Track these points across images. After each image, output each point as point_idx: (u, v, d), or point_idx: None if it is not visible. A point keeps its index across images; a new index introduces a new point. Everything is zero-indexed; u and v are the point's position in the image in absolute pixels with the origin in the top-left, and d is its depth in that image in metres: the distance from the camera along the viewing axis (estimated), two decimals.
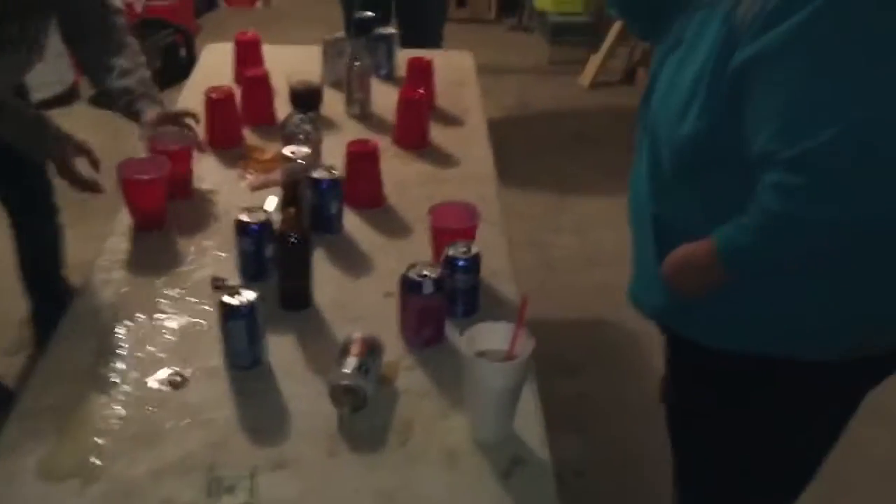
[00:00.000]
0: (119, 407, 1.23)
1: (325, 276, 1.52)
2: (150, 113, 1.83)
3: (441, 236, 1.50)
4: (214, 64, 2.36)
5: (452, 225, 1.52)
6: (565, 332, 2.69)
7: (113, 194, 3.37)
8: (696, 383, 1.46)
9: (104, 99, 2.03)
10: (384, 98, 2.14)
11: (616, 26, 4.41)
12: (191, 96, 2.17)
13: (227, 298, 1.26)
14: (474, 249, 1.42)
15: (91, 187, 1.78)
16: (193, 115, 1.86)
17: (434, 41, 3.10)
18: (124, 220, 1.68)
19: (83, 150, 1.77)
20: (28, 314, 2.51)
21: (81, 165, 1.79)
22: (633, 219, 1.43)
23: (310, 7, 5.07)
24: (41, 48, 1.93)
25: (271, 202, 1.68)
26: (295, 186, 1.42)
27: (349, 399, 1.22)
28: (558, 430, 1.24)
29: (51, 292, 2.44)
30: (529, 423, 1.23)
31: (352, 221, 1.69)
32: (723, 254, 1.19)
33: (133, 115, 1.87)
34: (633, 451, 2.33)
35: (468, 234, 1.50)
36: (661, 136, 1.27)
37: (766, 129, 1.10)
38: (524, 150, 3.73)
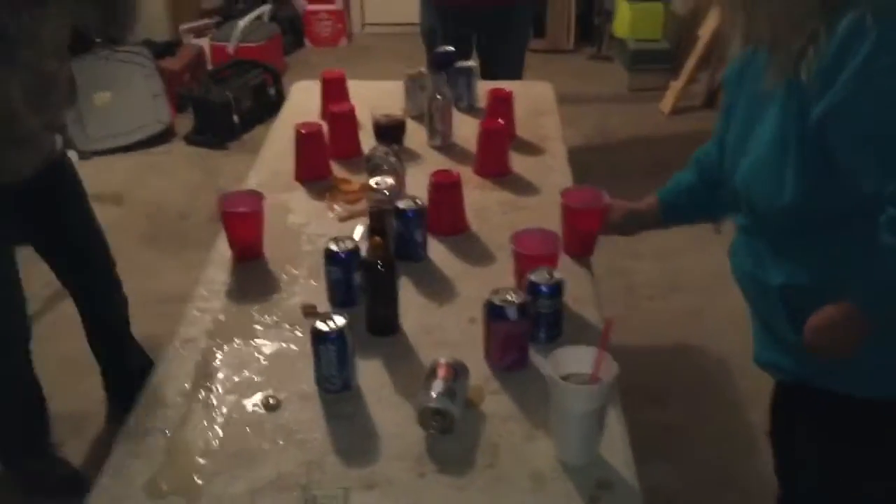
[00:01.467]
0: (218, 428, 1.29)
1: (410, 303, 1.56)
2: None
3: (524, 262, 1.52)
4: (302, 100, 2.45)
5: (535, 251, 1.54)
6: (650, 359, 2.66)
7: (205, 226, 3.52)
8: (822, 430, 1.40)
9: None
10: (465, 129, 2.19)
11: (696, 51, 4.38)
12: (280, 131, 2.26)
13: (318, 324, 1.31)
14: (557, 275, 1.44)
15: None
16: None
17: (515, 73, 3.14)
18: (221, 251, 1.75)
19: None
20: (103, 384, 2.47)
21: None
22: (747, 288, 1.41)
23: (391, 44, 5.20)
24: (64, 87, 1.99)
25: (358, 231, 1.73)
26: (381, 216, 1.47)
27: (437, 422, 1.25)
28: (646, 458, 1.24)
29: (122, 356, 2.41)
30: (616, 448, 1.24)
31: (436, 249, 1.74)
32: (864, 306, 1.17)
33: None
34: (722, 479, 2.28)
35: (551, 261, 1.52)
36: (763, 212, 1.28)
37: (866, 174, 1.14)
38: (605, 177, 3.70)
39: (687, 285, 3.08)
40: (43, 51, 1.83)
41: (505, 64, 3.12)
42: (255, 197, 1.73)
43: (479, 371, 1.38)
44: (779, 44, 1.19)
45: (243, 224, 1.71)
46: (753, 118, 1.29)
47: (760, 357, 1.44)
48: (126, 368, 2.40)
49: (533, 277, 1.43)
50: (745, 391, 2.50)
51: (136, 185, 3.84)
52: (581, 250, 1.71)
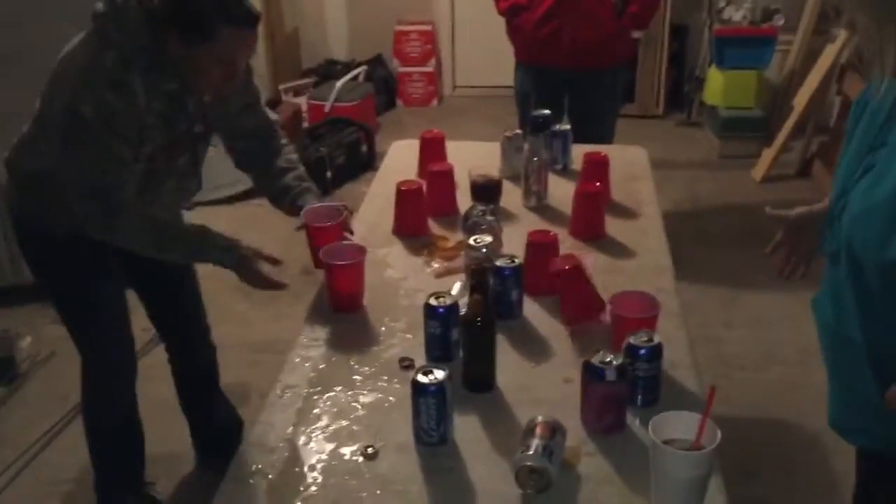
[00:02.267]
0: (318, 474, 1.31)
1: (506, 360, 1.57)
2: (312, 203, 2.00)
3: (622, 324, 1.52)
4: (400, 159, 2.52)
5: (633, 314, 1.54)
6: (742, 432, 2.59)
7: (297, 277, 3.60)
8: None
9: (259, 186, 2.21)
10: (559, 191, 2.22)
11: (791, 118, 4.33)
12: (379, 187, 2.33)
13: (419, 376, 1.34)
14: (656, 339, 1.44)
15: (275, 285, 1.89)
16: (346, 207, 2.01)
17: (606, 137, 3.17)
18: (321, 301, 1.80)
19: (255, 253, 1.89)
20: (191, 439, 2.51)
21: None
22: (827, 343, 1.36)
23: (480, 106, 5.31)
24: (200, 180, 2.10)
25: (456, 287, 1.76)
26: (481, 273, 1.50)
27: (534, 480, 1.25)
28: None
29: (210, 410, 2.45)
30: None
31: (531, 308, 1.75)
32: None
33: (296, 209, 2.03)
34: None
35: (649, 324, 1.52)
36: (864, 262, 1.23)
37: None
38: (695, 243, 3.69)
39: (780, 357, 3.00)
40: (190, 175, 1.99)
41: (596, 127, 3.15)
42: (358, 250, 1.78)
43: (576, 432, 1.38)
44: None
45: (345, 275, 1.76)
46: (866, 150, 1.24)
47: (838, 421, 1.38)
48: (213, 423, 2.45)
49: (632, 340, 1.43)
50: (840, 470, 2.41)
51: (233, 235, 3.97)
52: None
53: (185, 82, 1.79)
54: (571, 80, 3.18)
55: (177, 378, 2.41)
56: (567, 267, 1.69)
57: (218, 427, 2.43)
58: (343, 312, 1.75)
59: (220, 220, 4.06)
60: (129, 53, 1.71)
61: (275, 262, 1.90)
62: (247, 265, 1.86)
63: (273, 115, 2.17)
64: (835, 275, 1.32)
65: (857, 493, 1.48)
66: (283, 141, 2.14)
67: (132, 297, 2.20)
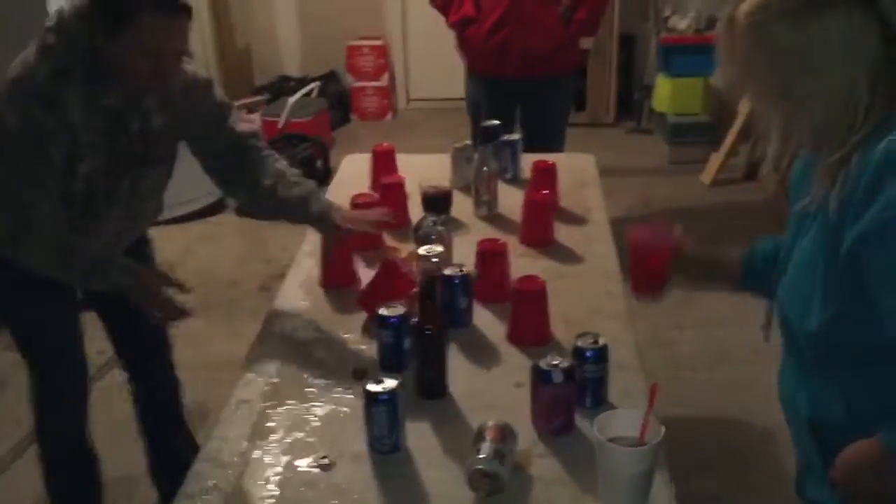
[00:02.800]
0: (274, 487, 1.33)
1: (457, 368, 1.59)
2: (339, 212, 1.92)
3: (641, 254, 1.55)
4: (352, 173, 2.54)
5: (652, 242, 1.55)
6: (695, 430, 2.65)
7: (254, 294, 3.58)
8: None
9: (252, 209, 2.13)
10: (510, 199, 2.26)
11: (737, 124, 4.44)
12: (333, 200, 2.34)
13: (370, 386, 1.36)
14: (602, 340, 1.48)
15: (177, 313, 1.81)
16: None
17: (557, 146, 3.22)
18: (273, 315, 1.81)
19: (161, 279, 1.82)
20: (148, 468, 2.41)
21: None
22: (787, 413, 1.35)
23: (433, 118, 5.35)
24: (159, 206, 2.07)
25: None
26: (432, 283, 1.53)
27: (486, 484, 1.27)
28: None
29: (169, 446, 2.34)
30: None
31: (481, 315, 1.78)
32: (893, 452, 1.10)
33: (311, 217, 1.93)
34: None
35: (664, 254, 1.54)
36: (794, 333, 1.24)
37: (886, 293, 1.10)
38: None
39: (731, 357, 3.07)
40: (139, 199, 1.92)
41: (547, 136, 3.21)
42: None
43: (526, 435, 1.41)
44: (820, 152, 1.16)
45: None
46: (799, 229, 1.25)
47: (801, 489, 1.37)
48: (171, 456, 2.33)
49: (579, 342, 1.46)
50: (791, 466, 2.47)
51: (187, 254, 3.96)
52: (652, 292, 1.61)
53: (124, 94, 1.75)
54: (522, 90, 3.23)
55: (136, 405, 2.34)
56: (525, 289, 1.69)
57: (173, 460, 2.29)
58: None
59: (174, 238, 4.06)
60: (68, 64, 1.68)
61: (182, 288, 1.82)
62: (146, 289, 1.78)
63: (246, 126, 2.01)
64: (783, 344, 1.32)
65: None
66: (264, 152, 1.98)
67: (90, 319, 2.18)
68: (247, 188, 1.99)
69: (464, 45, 3.29)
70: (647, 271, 1.58)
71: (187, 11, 1.68)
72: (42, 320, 2.00)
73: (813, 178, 1.18)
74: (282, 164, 1.99)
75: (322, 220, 1.89)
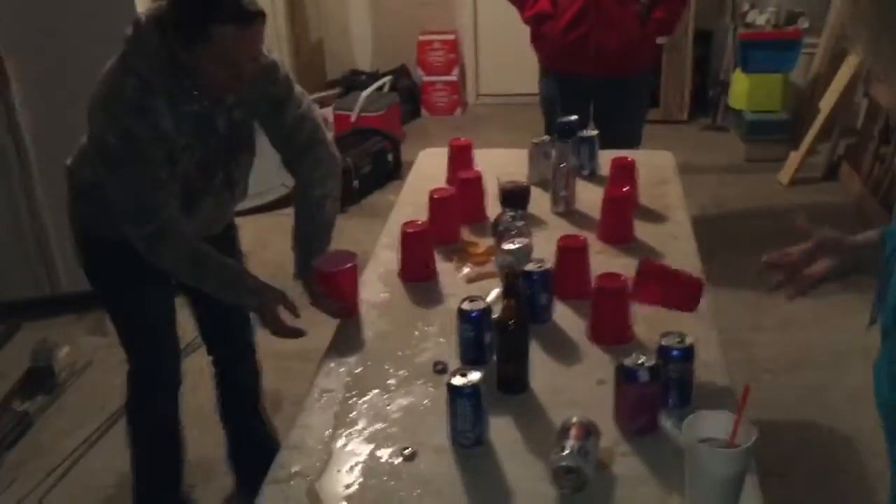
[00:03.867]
0: (357, 475, 1.34)
1: (538, 364, 1.59)
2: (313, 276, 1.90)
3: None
4: (428, 167, 2.55)
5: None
6: (773, 435, 2.58)
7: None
8: None
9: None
10: (587, 196, 2.24)
11: (817, 123, 4.32)
12: (408, 195, 2.36)
13: (455, 379, 1.36)
14: (688, 340, 1.45)
15: (293, 334, 1.86)
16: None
17: (632, 142, 3.18)
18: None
19: (281, 300, 1.85)
20: (227, 453, 2.49)
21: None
22: (884, 417, 1.17)
23: (503, 114, 5.34)
24: (245, 188, 2.09)
25: (493, 294, 1.78)
26: (514, 278, 1.52)
27: (570, 480, 1.27)
28: None
29: (250, 431, 2.42)
30: None
31: (561, 312, 1.77)
32: None
33: (301, 250, 1.98)
34: None
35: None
36: None
37: None
38: (722, 247, 3.68)
39: (810, 360, 3.00)
40: (230, 187, 1.98)
41: (622, 133, 3.16)
42: (348, 256, 1.82)
43: (609, 433, 1.39)
44: None
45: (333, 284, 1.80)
46: None
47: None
48: (249, 440, 2.42)
49: (664, 341, 1.44)
50: (874, 472, 2.40)
51: (261, 245, 4.02)
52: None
53: (207, 101, 1.81)
54: (597, 87, 3.19)
55: (218, 388, 2.42)
56: (607, 286, 1.67)
57: (254, 445, 2.40)
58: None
59: (247, 229, 4.10)
60: (150, 77, 1.72)
61: (294, 311, 1.86)
62: (268, 311, 1.84)
63: (314, 111, 2.03)
64: (890, 346, 1.14)
65: None
66: (322, 153, 2.00)
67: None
68: (302, 180, 2.01)
69: (538, 40, 3.27)
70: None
71: (262, 17, 1.71)
72: (143, 303, 2.08)
73: None
74: (325, 191, 1.99)
75: (304, 261, 1.93)
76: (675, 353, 1.43)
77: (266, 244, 4.04)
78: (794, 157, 4.40)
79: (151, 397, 2.21)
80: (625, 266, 1.93)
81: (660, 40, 3.30)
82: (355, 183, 4.36)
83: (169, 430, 2.25)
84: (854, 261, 1.37)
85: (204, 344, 2.39)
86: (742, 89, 4.74)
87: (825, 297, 3.24)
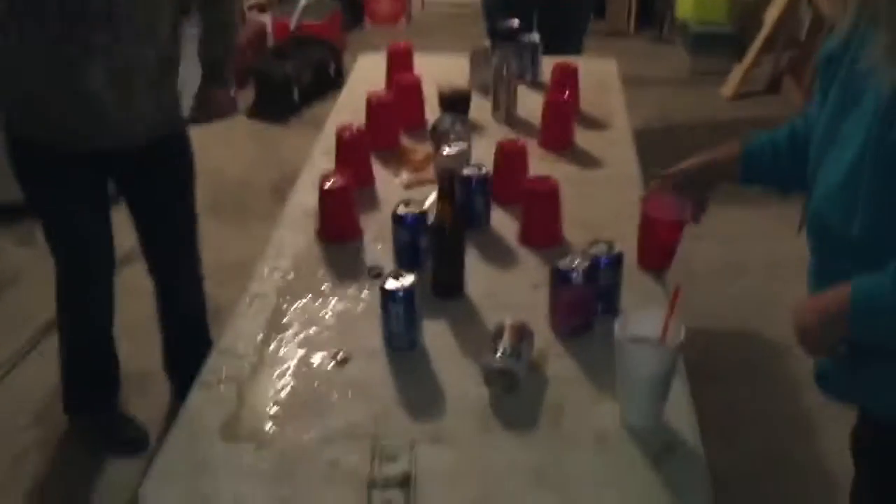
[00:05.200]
0: (289, 379, 1.32)
1: (474, 268, 1.57)
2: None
3: (653, 227, 1.54)
4: (367, 74, 2.47)
5: (665, 216, 1.53)
6: (710, 340, 2.65)
7: (265, 196, 3.57)
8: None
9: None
10: (528, 102, 2.20)
11: (762, 34, 4.30)
12: (346, 103, 2.29)
13: (388, 282, 1.34)
14: (617, 248, 1.44)
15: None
16: None
17: (575, 50, 3.13)
18: (289, 214, 1.79)
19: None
20: (164, 365, 2.45)
21: None
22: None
23: (448, 23, 5.21)
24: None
25: (431, 199, 1.74)
26: (451, 182, 1.49)
27: (502, 381, 1.27)
28: (705, 434, 1.24)
29: (192, 340, 2.37)
30: (681, 414, 1.24)
31: (499, 217, 1.75)
32: (855, 303, 1.07)
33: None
34: (780, 458, 2.28)
35: (678, 228, 1.53)
36: (832, 241, 1.15)
37: None
38: (665, 160, 3.68)
39: (747, 270, 3.05)
40: (125, 35, 1.82)
41: (565, 41, 3.10)
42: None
43: (544, 335, 1.39)
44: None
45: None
46: (840, 115, 1.15)
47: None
48: (192, 349, 2.28)
49: (593, 250, 1.43)
50: (802, 377, 2.48)
51: (199, 156, 3.89)
52: (659, 264, 1.60)
53: None
54: None
55: (158, 300, 2.35)
56: (537, 189, 1.66)
57: (193, 356, 2.36)
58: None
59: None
60: None
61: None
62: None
63: None
64: (813, 249, 1.23)
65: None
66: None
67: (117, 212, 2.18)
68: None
69: None
70: (656, 244, 1.58)
71: None
72: (70, 210, 2.01)
73: (872, 56, 1.07)
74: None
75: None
76: (603, 260, 1.42)
77: (206, 153, 3.88)
78: (738, 70, 4.40)
79: (80, 308, 2.15)
80: (564, 172, 1.92)
81: None
82: (296, 93, 4.24)
83: (101, 343, 2.20)
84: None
85: (145, 258, 2.30)
86: (688, 1, 4.69)
87: (762, 208, 3.31)
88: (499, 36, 2.34)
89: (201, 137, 4.00)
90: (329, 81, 4.43)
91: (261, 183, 3.67)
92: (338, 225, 1.69)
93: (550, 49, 2.50)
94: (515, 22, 2.37)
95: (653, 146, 3.73)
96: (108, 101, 1.86)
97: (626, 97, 2.40)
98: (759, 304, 2.86)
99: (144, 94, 1.92)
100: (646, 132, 3.95)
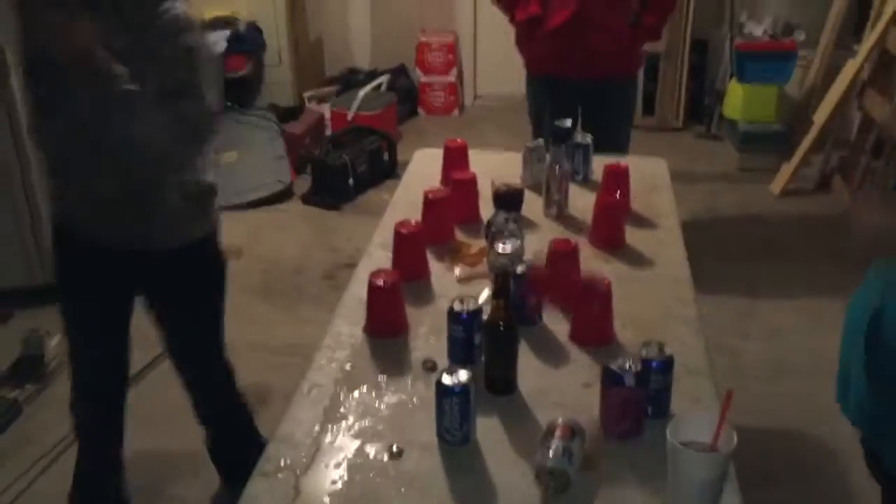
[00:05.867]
0: (344, 471, 1.36)
1: (526, 365, 1.61)
2: None
3: None
4: (423, 167, 2.56)
5: None
6: (759, 440, 2.61)
7: (317, 282, 3.65)
8: None
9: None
10: (580, 201, 2.26)
11: (811, 135, 4.35)
12: (403, 195, 2.38)
13: (444, 377, 1.38)
14: (668, 350, 1.47)
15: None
16: None
17: (621, 147, 3.19)
18: (346, 304, 1.85)
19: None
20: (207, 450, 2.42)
21: None
22: (847, 338, 1.34)
23: (499, 115, 5.35)
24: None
25: (484, 295, 1.80)
26: (506, 279, 1.54)
27: (553, 480, 1.29)
28: None
29: (227, 429, 2.35)
30: None
31: (551, 315, 1.79)
32: None
33: None
34: None
35: None
36: None
37: None
38: (712, 255, 3.72)
39: (795, 368, 3.03)
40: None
41: (611, 138, 3.17)
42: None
43: (595, 436, 1.41)
44: None
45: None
46: None
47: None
48: (227, 437, 2.36)
49: (644, 352, 1.45)
50: (856, 480, 2.43)
51: (254, 240, 4.04)
52: None
53: None
54: (585, 91, 3.19)
55: (190, 395, 2.28)
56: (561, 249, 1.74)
57: (232, 440, 2.34)
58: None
59: (242, 224, 4.15)
60: None
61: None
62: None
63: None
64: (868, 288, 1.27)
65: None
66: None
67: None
68: None
69: (527, 44, 3.27)
70: None
71: None
72: (86, 317, 2.06)
73: None
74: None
75: None
76: (654, 364, 1.45)
77: (260, 238, 4.06)
78: (787, 168, 4.43)
79: (75, 401, 2.17)
80: (615, 271, 1.97)
81: (647, 46, 3.32)
82: (351, 180, 4.38)
83: (96, 436, 2.20)
84: None
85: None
86: (737, 99, 4.78)
87: (811, 305, 3.29)
88: (551, 135, 2.42)
89: (256, 220, 4.18)
90: (383, 169, 4.58)
91: (313, 267, 3.77)
92: (383, 321, 1.74)
93: (597, 147, 2.58)
94: (568, 122, 2.45)
95: (700, 240, 3.77)
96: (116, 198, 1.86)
97: (674, 192, 2.45)
98: (805, 402, 2.83)
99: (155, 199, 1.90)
100: (693, 226, 3.99)
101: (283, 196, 4.40)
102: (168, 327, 2.13)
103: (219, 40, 4.49)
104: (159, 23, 1.75)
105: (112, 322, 2.10)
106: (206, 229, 2.07)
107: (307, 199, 4.37)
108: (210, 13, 4.64)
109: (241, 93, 4.63)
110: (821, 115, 4.35)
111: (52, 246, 2.07)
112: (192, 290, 2.10)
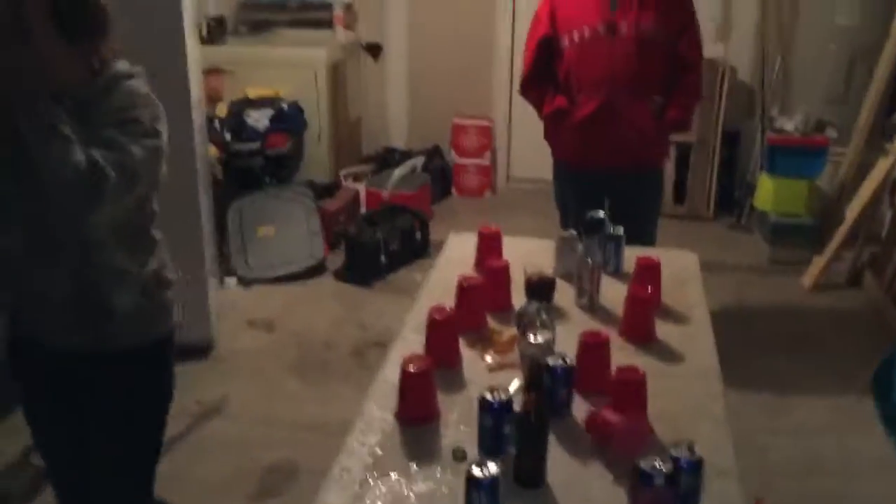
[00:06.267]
0: None
1: (555, 458, 1.61)
2: None
3: None
4: (457, 251, 2.61)
5: None
6: None
7: (347, 358, 3.67)
8: None
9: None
10: (611, 292, 2.29)
11: (842, 229, 4.36)
12: (436, 279, 2.42)
13: (474, 470, 1.40)
14: (697, 451, 1.48)
15: None
16: None
17: (648, 238, 3.22)
18: (379, 386, 1.88)
19: None
20: None
21: None
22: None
23: (530, 198, 5.42)
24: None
25: (514, 385, 1.82)
26: (538, 372, 1.57)
27: None
28: None
29: None
30: None
31: (581, 407, 1.80)
32: None
33: None
34: None
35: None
36: None
37: None
38: (742, 348, 3.70)
39: (825, 467, 2.98)
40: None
41: (637, 228, 3.19)
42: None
43: None
44: None
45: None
46: None
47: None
48: None
49: (673, 452, 1.46)
50: None
51: (287, 313, 4.10)
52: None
53: None
54: (611, 182, 3.23)
55: None
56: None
57: None
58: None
59: (274, 298, 4.21)
60: None
61: None
62: None
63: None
64: None
65: None
66: None
67: None
68: None
69: (554, 135, 3.34)
70: None
71: None
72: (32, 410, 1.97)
73: None
74: None
75: None
76: (684, 465, 1.45)
77: (292, 312, 4.11)
78: (818, 262, 4.44)
79: None
80: (645, 365, 1.97)
81: (678, 136, 3.36)
82: (383, 258, 4.44)
83: None
84: None
85: None
86: (768, 192, 4.81)
87: (841, 402, 3.26)
88: (584, 226, 2.47)
89: (288, 294, 4.24)
90: (415, 248, 4.64)
91: (343, 343, 3.81)
92: (415, 407, 1.77)
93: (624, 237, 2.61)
94: (601, 213, 2.50)
95: (730, 332, 3.75)
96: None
97: (703, 283, 2.47)
98: (835, 502, 2.78)
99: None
100: (722, 318, 3.97)
101: (316, 271, 4.47)
102: (77, 449, 1.89)
103: (261, 118, 4.65)
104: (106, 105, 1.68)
105: (58, 416, 1.92)
106: (162, 332, 1.90)
107: (340, 276, 4.44)
108: (254, 92, 4.80)
109: (281, 169, 4.77)
110: (852, 210, 4.37)
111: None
112: (131, 404, 1.88)
